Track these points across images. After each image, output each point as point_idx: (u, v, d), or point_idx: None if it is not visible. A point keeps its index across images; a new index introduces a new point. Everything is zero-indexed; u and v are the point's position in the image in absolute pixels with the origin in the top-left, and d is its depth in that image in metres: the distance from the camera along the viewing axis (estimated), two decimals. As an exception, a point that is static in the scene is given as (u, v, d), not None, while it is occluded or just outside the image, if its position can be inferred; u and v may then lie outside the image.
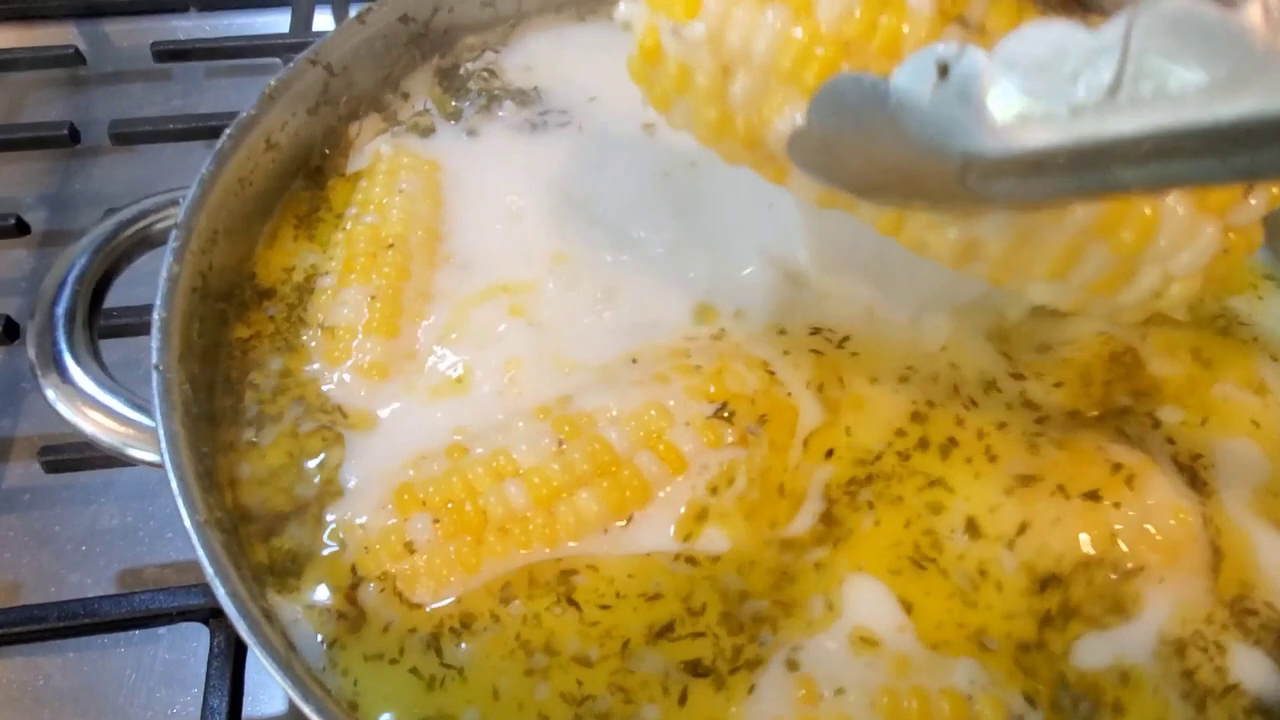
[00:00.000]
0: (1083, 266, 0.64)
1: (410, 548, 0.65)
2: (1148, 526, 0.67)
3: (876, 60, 0.60)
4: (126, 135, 1.10)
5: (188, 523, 0.58)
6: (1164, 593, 0.66)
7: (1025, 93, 0.47)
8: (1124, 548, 0.66)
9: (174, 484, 0.59)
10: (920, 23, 0.59)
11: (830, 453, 0.73)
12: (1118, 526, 0.67)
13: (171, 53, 1.19)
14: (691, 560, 0.68)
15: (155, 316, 0.66)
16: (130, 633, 0.83)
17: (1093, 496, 0.68)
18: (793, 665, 0.63)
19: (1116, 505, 0.67)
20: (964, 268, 0.68)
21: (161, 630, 0.84)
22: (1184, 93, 0.42)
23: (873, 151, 0.57)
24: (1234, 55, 0.41)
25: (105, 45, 1.29)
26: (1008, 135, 0.48)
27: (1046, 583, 0.66)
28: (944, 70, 0.49)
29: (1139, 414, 0.75)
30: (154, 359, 0.64)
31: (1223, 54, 0.41)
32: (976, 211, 0.62)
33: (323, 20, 1.30)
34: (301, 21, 1.24)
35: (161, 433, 0.61)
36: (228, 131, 0.75)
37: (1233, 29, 0.41)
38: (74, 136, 1.10)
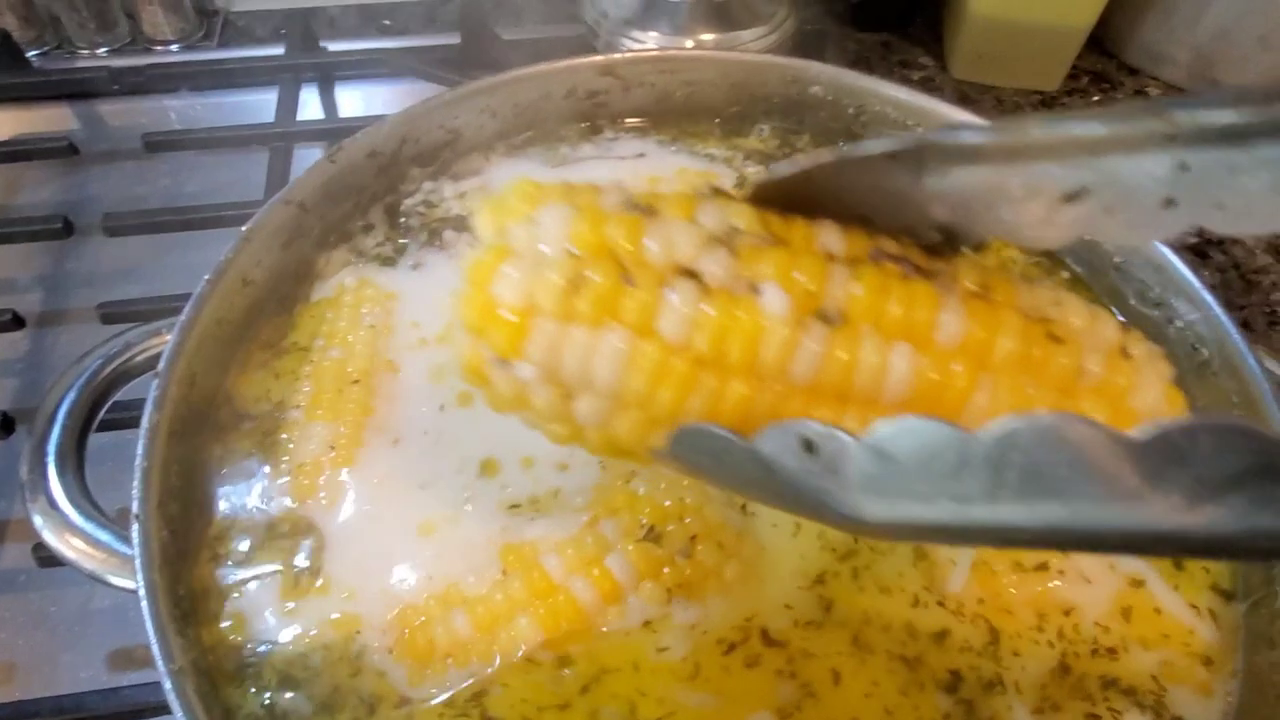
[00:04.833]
0: None
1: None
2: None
3: (737, 376, 0.54)
4: (119, 228, 1.15)
5: (161, 669, 0.64)
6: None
7: (892, 479, 0.44)
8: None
9: (151, 635, 0.65)
10: (777, 323, 0.53)
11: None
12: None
13: (161, 143, 1.24)
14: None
15: (137, 468, 0.70)
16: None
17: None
18: None
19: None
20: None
21: (149, 714, 0.90)
22: (1062, 500, 0.41)
23: (745, 484, 0.53)
24: (1108, 472, 0.39)
25: (98, 126, 1.35)
26: (886, 511, 0.45)
27: None
28: (809, 447, 0.46)
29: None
30: (134, 509, 0.68)
31: (1099, 470, 0.39)
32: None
33: (309, 99, 1.35)
34: (287, 106, 1.29)
35: (141, 581, 0.66)
36: (206, 277, 0.79)
37: (1107, 448, 0.39)
38: (68, 229, 1.15)
